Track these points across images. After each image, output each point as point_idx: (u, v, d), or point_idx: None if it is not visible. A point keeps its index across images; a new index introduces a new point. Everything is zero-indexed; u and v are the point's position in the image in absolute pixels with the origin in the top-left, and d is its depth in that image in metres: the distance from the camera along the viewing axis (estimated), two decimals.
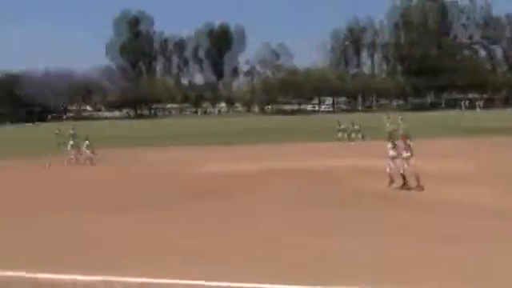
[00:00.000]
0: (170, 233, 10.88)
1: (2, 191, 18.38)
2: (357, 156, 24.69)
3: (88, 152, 26.99)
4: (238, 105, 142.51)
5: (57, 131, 37.65)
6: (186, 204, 14.20)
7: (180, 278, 7.71)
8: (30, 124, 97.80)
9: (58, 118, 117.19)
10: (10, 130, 77.57)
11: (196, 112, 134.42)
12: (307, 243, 9.73)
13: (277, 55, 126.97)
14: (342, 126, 37.00)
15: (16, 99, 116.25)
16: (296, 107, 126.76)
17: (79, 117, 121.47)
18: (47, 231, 11.51)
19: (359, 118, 51.12)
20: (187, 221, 12.09)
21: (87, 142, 27.40)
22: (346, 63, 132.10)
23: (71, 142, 28.07)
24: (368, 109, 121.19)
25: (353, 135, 36.34)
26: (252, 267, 8.30)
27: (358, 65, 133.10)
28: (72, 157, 27.10)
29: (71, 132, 32.57)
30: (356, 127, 37.02)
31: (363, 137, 36.09)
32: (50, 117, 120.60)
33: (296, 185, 17.02)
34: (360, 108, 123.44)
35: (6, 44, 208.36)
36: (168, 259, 8.85)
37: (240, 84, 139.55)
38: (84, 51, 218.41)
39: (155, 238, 10.52)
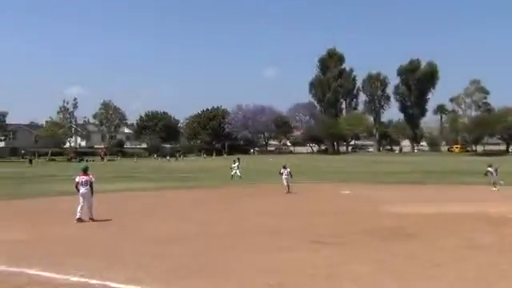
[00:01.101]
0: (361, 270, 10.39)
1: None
2: None
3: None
4: (423, 143, 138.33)
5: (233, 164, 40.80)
6: (372, 243, 13.57)
7: None
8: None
9: (261, 152, 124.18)
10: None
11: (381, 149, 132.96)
12: None
13: (485, 92, 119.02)
14: (489, 169, 32.14)
15: (219, 133, 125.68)
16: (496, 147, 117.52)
17: (277, 151, 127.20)
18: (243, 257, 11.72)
19: None
20: (374, 261, 11.45)
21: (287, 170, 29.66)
22: None
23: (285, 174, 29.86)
24: None
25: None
26: None
27: None
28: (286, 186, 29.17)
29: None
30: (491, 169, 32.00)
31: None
32: (252, 150, 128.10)
33: (485, 232, 15.30)
34: None
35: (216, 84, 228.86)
36: None
37: (427, 122, 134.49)
38: (285, 89, 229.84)
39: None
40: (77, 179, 17.98)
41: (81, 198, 17.65)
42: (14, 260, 11.43)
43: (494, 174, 31.52)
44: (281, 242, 13.73)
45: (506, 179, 31.96)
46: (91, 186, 17.84)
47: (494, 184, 30.77)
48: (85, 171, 18.22)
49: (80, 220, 17.29)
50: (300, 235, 14.74)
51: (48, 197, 26.91)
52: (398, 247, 12.97)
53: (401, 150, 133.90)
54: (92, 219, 17.54)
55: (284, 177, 29.51)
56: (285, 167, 29.93)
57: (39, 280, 9.80)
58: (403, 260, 11.43)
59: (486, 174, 32.15)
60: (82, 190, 17.67)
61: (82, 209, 17.50)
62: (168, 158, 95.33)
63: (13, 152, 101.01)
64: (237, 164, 42.06)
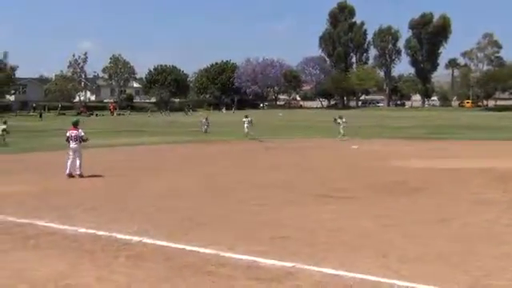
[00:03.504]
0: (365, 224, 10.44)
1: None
2: None
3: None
4: (434, 98, 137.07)
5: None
6: (379, 198, 13.61)
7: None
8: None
9: (271, 107, 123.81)
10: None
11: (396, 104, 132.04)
12: None
13: (498, 46, 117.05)
14: (338, 121, 35.88)
15: (228, 87, 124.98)
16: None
17: (288, 106, 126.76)
18: (254, 215, 11.81)
19: None
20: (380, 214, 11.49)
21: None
22: None
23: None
24: None
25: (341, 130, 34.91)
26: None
27: None
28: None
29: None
30: (340, 121, 35.58)
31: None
32: (262, 105, 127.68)
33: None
34: None
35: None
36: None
37: (438, 76, 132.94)
38: (296, 43, 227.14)
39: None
40: (67, 134, 17.77)
41: (70, 152, 17.47)
42: (22, 212, 11.61)
43: (341, 126, 34.98)
44: (286, 195, 13.81)
45: None
46: (81, 140, 17.54)
47: (340, 134, 34.33)
48: (75, 125, 17.85)
49: (71, 175, 17.19)
50: (306, 189, 14.80)
51: (57, 150, 27.07)
52: (404, 202, 13.01)
53: (403, 104, 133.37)
54: (81, 175, 17.22)
55: (246, 125, 36.03)
56: (246, 117, 36.96)
57: (47, 231, 9.96)
58: (409, 215, 11.45)
59: (335, 122, 36.30)
60: (72, 144, 17.45)
61: (71, 164, 17.30)
62: (165, 112, 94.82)
63: (23, 106, 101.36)
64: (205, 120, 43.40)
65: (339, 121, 35.46)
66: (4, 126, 30.72)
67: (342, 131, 34.51)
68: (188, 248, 8.56)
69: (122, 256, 8.21)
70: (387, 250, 8.51)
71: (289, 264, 7.67)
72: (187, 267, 7.63)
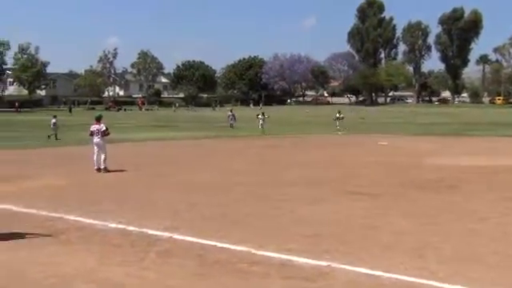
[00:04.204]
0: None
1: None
2: None
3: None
4: (464, 95, 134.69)
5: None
6: (411, 195, 13.29)
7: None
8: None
9: (298, 103, 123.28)
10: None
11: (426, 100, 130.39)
12: None
13: None
14: (337, 115, 37.46)
15: (255, 82, 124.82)
16: None
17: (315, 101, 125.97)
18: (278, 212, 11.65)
19: None
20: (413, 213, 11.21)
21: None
22: None
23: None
24: None
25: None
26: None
27: None
28: None
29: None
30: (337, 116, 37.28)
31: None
32: (289, 101, 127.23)
33: None
34: None
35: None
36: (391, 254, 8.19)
37: (469, 72, 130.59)
38: (323, 38, 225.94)
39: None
40: (91, 128, 17.82)
41: (95, 147, 17.51)
42: (53, 206, 11.62)
43: (337, 121, 37.07)
44: (317, 192, 13.59)
45: None
46: (103, 134, 17.44)
47: (339, 129, 36.25)
48: (98, 120, 17.91)
49: (99, 170, 17.18)
50: (337, 186, 14.56)
51: (86, 145, 27.25)
52: (439, 200, 12.67)
53: (431, 100, 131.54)
54: (106, 170, 17.13)
55: (260, 122, 37.71)
56: (263, 114, 38.71)
57: (77, 225, 9.93)
58: (445, 213, 11.14)
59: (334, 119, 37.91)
60: (95, 139, 17.45)
61: (97, 158, 17.33)
62: (191, 107, 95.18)
63: (53, 100, 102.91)
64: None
65: (337, 116, 37.04)
66: (54, 120, 31.55)
67: (338, 126, 36.46)
68: (220, 245, 8.41)
69: (153, 252, 8.12)
70: (423, 250, 8.25)
71: (323, 263, 7.48)
72: (219, 264, 7.49)
